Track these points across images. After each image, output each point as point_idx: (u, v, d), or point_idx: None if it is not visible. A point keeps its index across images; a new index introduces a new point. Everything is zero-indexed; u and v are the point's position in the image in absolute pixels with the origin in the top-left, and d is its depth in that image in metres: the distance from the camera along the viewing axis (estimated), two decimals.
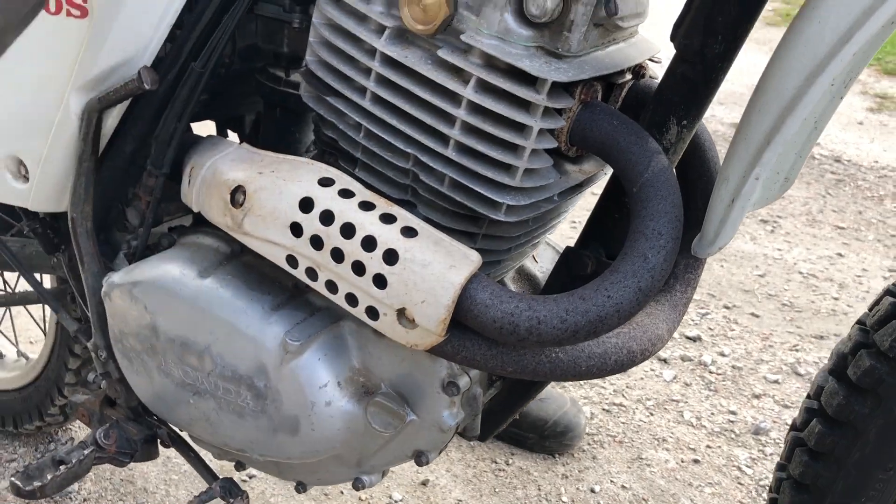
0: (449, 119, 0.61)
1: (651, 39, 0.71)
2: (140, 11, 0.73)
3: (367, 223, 0.61)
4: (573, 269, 0.71)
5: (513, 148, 0.60)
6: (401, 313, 0.61)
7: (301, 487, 0.85)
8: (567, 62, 0.58)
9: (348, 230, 0.61)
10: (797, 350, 1.86)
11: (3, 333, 1.47)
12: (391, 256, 0.60)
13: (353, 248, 0.61)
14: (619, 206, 0.69)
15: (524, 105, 0.59)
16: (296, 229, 0.63)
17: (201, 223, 0.81)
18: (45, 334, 1.34)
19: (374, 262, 0.60)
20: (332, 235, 0.61)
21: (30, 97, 0.81)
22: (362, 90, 0.64)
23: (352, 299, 0.63)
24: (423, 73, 0.60)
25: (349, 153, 0.68)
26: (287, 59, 0.81)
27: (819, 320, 1.98)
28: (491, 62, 0.59)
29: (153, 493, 1.32)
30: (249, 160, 0.69)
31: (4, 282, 1.30)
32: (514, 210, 0.62)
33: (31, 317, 1.38)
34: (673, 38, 0.63)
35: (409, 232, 0.61)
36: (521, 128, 0.59)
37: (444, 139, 0.61)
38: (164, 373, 0.78)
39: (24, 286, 1.29)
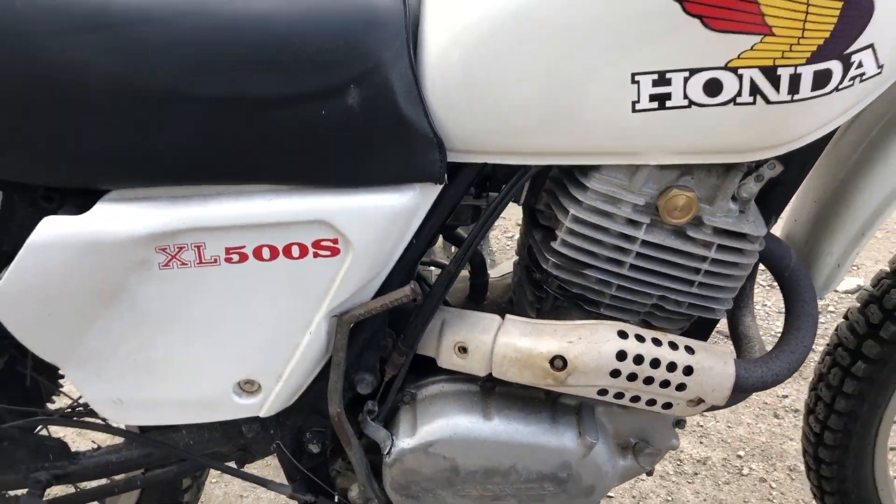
0: (694, 271, 0.90)
1: None
2: (389, 236, 0.87)
3: (666, 355, 0.89)
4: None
5: (733, 277, 0.92)
6: (690, 400, 0.92)
7: None
8: (750, 215, 0.91)
9: (655, 363, 0.89)
10: None
11: None
12: (688, 371, 0.90)
13: (660, 374, 0.89)
14: None
15: (741, 252, 0.90)
16: (614, 374, 0.89)
17: (425, 374, 0.99)
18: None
19: (676, 377, 0.90)
20: (644, 370, 0.89)
21: (266, 331, 0.91)
22: (616, 262, 0.90)
23: (651, 402, 0.92)
24: (675, 248, 0.88)
25: (593, 300, 0.94)
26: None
27: None
28: (717, 230, 0.89)
29: None
30: (539, 331, 0.91)
31: None
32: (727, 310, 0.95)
33: None
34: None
35: (689, 350, 0.91)
36: (737, 265, 0.91)
37: (687, 283, 0.91)
38: (461, 496, 0.99)
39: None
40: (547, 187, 0.94)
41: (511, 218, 2.50)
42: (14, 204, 0.87)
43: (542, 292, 0.98)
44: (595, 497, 1.01)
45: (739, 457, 1.67)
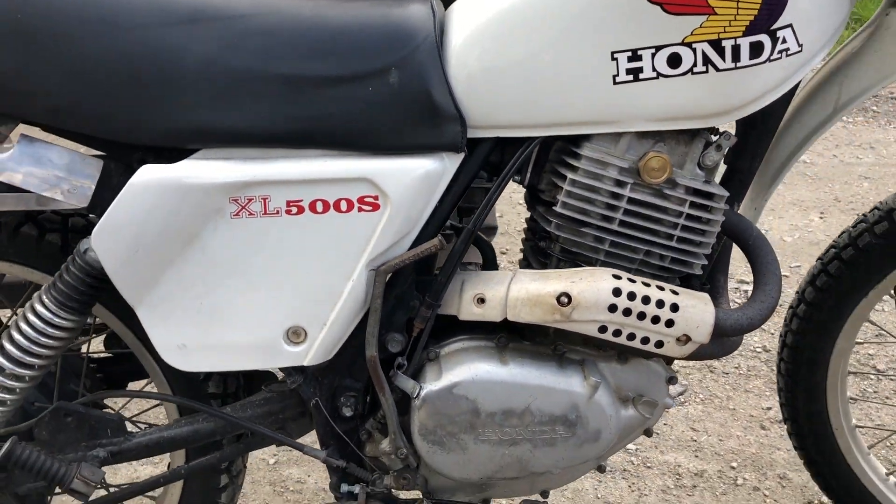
0: (672, 225, 1.08)
1: None
2: (420, 195, 1.05)
3: (655, 293, 1.06)
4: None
5: (705, 233, 1.10)
6: (678, 339, 1.07)
7: (544, 494, 1.22)
8: (714, 182, 1.11)
9: (646, 299, 1.05)
10: None
11: None
12: (675, 307, 1.06)
13: (651, 309, 1.05)
14: None
15: (709, 209, 1.09)
16: (611, 308, 1.04)
17: (440, 336, 1.14)
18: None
19: (665, 313, 1.05)
20: (636, 306, 1.05)
21: (315, 278, 1.06)
22: (608, 218, 1.08)
23: (645, 340, 1.07)
24: (656, 204, 1.07)
25: (590, 257, 1.11)
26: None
27: None
28: (688, 190, 1.08)
29: None
30: (545, 276, 1.07)
31: None
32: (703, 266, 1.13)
33: None
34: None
35: (673, 292, 1.07)
36: (708, 221, 1.10)
37: (668, 237, 1.09)
38: (481, 440, 1.10)
39: None
40: (546, 169, 1.14)
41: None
42: (110, 171, 1.05)
43: (546, 258, 1.15)
44: (601, 444, 1.13)
45: (733, 468, 1.78)
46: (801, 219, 2.89)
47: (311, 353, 1.09)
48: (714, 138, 1.09)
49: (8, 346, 1.07)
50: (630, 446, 1.81)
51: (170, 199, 0.99)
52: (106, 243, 1.00)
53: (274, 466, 1.76)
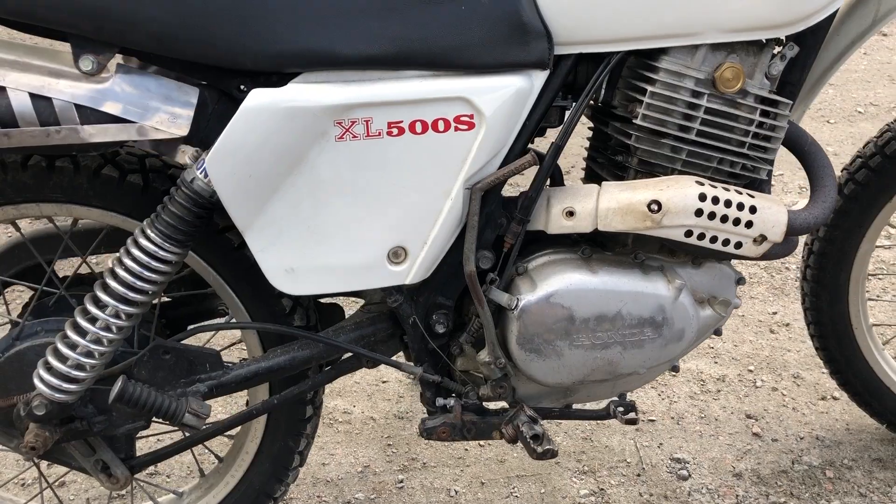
0: (744, 133, 1.15)
1: None
2: (512, 113, 1.09)
3: (735, 197, 1.13)
4: None
5: (772, 139, 1.17)
6: (755, 239, 1.15)
7: (622, 397, 1.29)
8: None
9: (728, 203, 1.12)
10: None
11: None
12: (753, 209, 1.13)
13: (733, 212, 1.12)
14: None
15: (776, 116, 1.16)
16: (698, 213, 1.11)
17: (527, 252, 1.19)
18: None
19: (745, 215, 1.13)
20: (720, 210, 1.12)
21: (416, 198, 1.10)
22: (685, 128, 1.14)
23: (726, 242, 1.14)
24: (730, 113, 1.14)
25: (667, 167, 1.16)
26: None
27: None
28: (758, 99, 1.15)
29: None
30: (633, 186, 1.13)
31: None
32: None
33: None
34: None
35: (749, 195, 1.14)
36: (775, 128, 1.17)
37: (740, 143, 1.16)
38: (575, 346, 1.16)
39: None
40: (620, 85, 1.18)
41: None
42: (206, 99, 1.05)
43: (622, 171, 1.20)
44: (683, 343, 1.20)
45: (750, 371, 1.92)
46: None
47: (412, 272, 1.12)
48: (777, 49, 1.15)
49: (112, 283, 1.07)
50: None
51: (280, 121, 1.00)
52: (221, 168, 1.01)
53: None
